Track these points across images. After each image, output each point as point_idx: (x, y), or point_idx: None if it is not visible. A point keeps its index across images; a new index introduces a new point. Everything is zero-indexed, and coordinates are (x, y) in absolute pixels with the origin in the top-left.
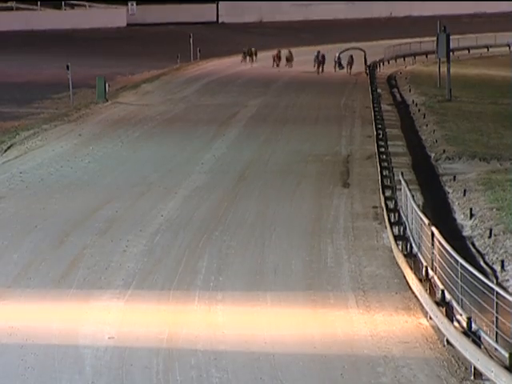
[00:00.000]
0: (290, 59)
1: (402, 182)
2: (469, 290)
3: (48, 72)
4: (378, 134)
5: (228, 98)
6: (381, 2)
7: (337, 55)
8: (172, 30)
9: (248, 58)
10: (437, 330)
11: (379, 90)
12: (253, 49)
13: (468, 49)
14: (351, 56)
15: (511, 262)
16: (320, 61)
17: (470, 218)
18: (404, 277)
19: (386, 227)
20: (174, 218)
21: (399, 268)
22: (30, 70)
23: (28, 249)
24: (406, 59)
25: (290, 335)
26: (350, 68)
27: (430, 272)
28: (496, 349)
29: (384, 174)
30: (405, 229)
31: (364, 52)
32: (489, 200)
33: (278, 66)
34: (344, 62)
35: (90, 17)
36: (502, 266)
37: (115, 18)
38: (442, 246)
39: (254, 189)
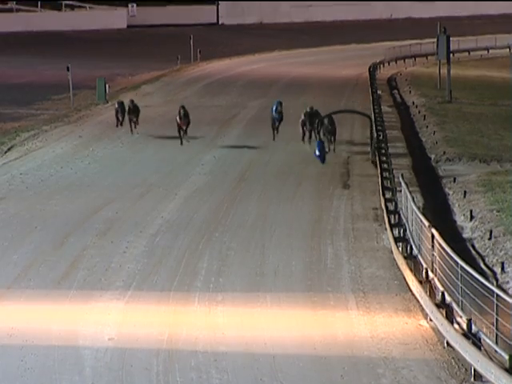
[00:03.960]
0: (182, 121)
1: (402, 183)
2: (469, 292)
3: (48, 73)
4: (378, 136)
5: (228, 100)
6: (381, 1)
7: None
8: (172, 31)
9: (125, 118)
10: (437, 331)
11: (379, 92)
12: (131, 104)
13: (468, 50)
14: (331, 120)
15: (511, 263)
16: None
17: (470, 219)
18: (404, 278)
19: (386, 229)
20: (174, 219)
21: (399, 270)
22: (30, 71)
23: (28, 250)
24: (406, 61)
25: (290, 336)
26: (333, 140)
27: (430, 274)
28: (496, 351)
29: (384, 175)
30: (405, 230)
31: (370, 119)
32: (489, 202)
33: (184, 131)
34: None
35: (91, 18)
36: (502, 268)
37: (115, 19)
38: (442, 247)
39: (255, 190)
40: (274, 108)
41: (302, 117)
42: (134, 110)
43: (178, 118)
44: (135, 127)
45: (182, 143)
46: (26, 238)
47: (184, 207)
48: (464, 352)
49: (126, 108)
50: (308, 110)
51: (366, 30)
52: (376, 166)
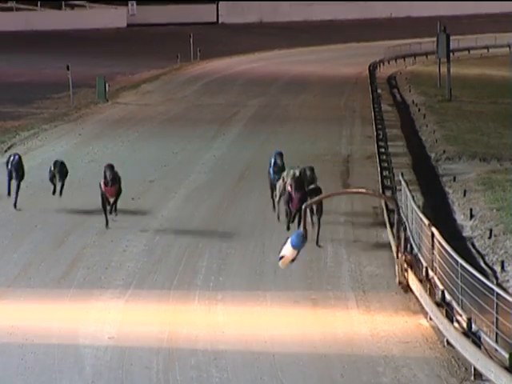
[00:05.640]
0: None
1: (402, 182)
2: (469, 291)
3: (48, 72)
4: (378, 134)
5: (228, 98)
6: (381, 0)
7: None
8: (172, 30)
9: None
10: (437, 330)
11: (379, 90)
12: (57, 165)
13: (468, 49)
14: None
15: (511, 262)
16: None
17: (470, 218)
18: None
19: (385, 227)
20: (174, 218)
21: None
22: (30, 69)
23: (28, 248)
24: (406, 59)
25: (290, 335)
26: (318, 225)
27: (430, 272)
28: (496, 349)
29: (384, 174)
30: (405, 229)
31: (397, 205)
32: (489, 200)
33: (112, 204)
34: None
35: (90, 17)
36: (502, 267)
37: (115, 18)
38: (442, 246)
39: (255, 188)
40: (273, 162)
41: (279, 184)
42: (60, 171)
43: (102, 182)
44: (60, 193)
45: (107, 224)
46: (26, 237)
47: (184, 206)
48: (464, 351)
49: (55, 170)
50: (294, 173)
51: (366, 28)
52: (407, 291)
